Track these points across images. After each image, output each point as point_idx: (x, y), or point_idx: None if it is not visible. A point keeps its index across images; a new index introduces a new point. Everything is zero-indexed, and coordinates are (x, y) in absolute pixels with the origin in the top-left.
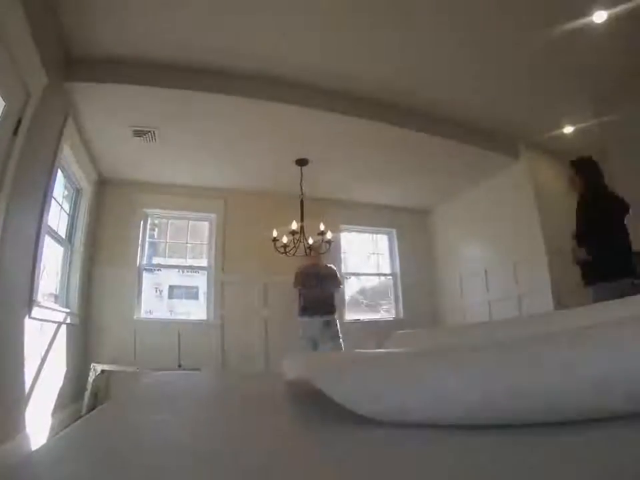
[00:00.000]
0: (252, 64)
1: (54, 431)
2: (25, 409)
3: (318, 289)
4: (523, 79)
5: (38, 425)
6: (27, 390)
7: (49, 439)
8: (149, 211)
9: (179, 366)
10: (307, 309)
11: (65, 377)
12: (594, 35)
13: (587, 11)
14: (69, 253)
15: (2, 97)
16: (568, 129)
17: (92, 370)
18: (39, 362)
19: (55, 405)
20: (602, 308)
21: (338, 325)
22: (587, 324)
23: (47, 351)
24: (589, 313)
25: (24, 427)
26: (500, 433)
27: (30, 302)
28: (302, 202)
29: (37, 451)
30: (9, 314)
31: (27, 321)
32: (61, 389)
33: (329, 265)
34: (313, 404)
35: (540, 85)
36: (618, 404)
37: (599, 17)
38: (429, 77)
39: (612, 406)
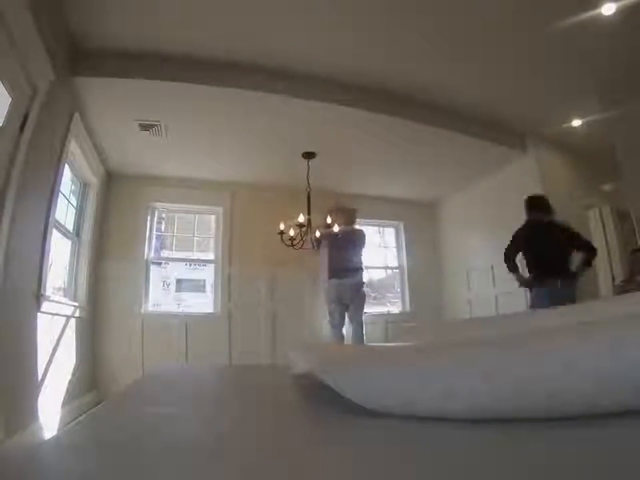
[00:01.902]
0: (259, 57)
1: (64, 422)
2: (38, 399)
3: (346, 250)
4: (530, 72)
5: (48, 415)
6: (39, 381)
7: (59, 430)
8: (156, 204)
9: None
10: (336, 270)
11: (74, 370)
12: (602, 27)
13: (595, 3)
14: (77, 246)
15: (8, 92)
16: (576, 123)
17: None
18: (49, 355)
19: (65, 397)
20: (606, 303)
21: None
22: (591, 319)
23: (57, 344)
24: (593, 308)
25: (37, 417)
26: (506, 428)
27: (38, 296)
28: (309, 195)
29: (47, 441)
30: (19, 308)
31: (36, 314)
32: (70, 381)
33: (357, 228)
34: (320, 396)
35: (548, 78)
36: (621, 400)
37: (608, 9)
38: (437, 70)
39: (616, 402)
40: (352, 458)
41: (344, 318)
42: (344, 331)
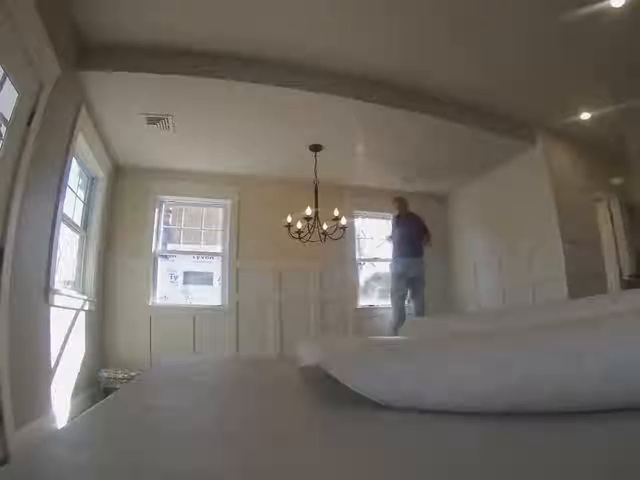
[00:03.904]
0: (266, 50)
1: (74, 413)
2: (49, 391)
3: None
4: (540, 64)
5: (59, 406)
6: (50, 374)
7: (69, 421)
8: (163, 197)
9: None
10: (405, 249)
11: (83, 362)
12: (612, 19)
13: None
14: (85, 240)
15: (15, 88)
16: (585, 115)
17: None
18: (59, 348)
19: (74, 388)
20: (614, 297)
21: None
22: (599, 313)
23: (66, 337)
24: (601, 302)
25: (50, 407)
26: (514, 421)
27: (47, 289)
28: (316, 187)
29: (58, 431)
30: (29, 302)
31: (45, 308)
32: (80, 373)
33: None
34: (327, 389)
35: (557, 70)
36: (630, 395)
37: (617, 0)
38: (445, 61)
39: (624, 396)
40: (357, 447)
41: None
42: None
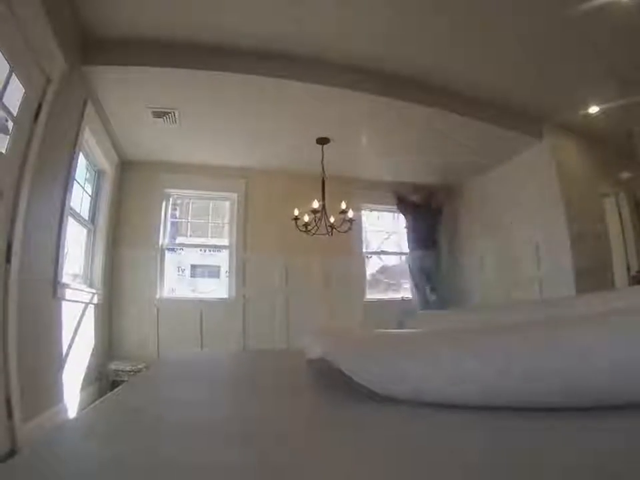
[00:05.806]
0: (272, 43)
1: (83, 405)
2: (59, 382)
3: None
4: (547, 59)
5: (68, 398)
6: (60, 366)
7: (78, 412)
8: (170, 191)
9: None
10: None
11: (92, 355)
12: (621, 13)
13: None
14: (92, 234)
15: (21, 83)
16: (593, 109)
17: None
18: (68, 341)
19: (83, 381)
20: (622, 294)
21: None
22: (607, 309)
23: (75, 331)
24: (609, 299)
25: (60, 399)
26: (516, 416)
27: (55, 283)
28: (323, 181)
29: (66, 423)
30: (37, 295)
31: (53, 302)
32: (88, 366)
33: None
34: (333, 382)
35: (564, 64)
36: (634, 393)
37: None
38: (452, 55)
39: (630, 393)
40: (362, 442)
41: None
42: None
